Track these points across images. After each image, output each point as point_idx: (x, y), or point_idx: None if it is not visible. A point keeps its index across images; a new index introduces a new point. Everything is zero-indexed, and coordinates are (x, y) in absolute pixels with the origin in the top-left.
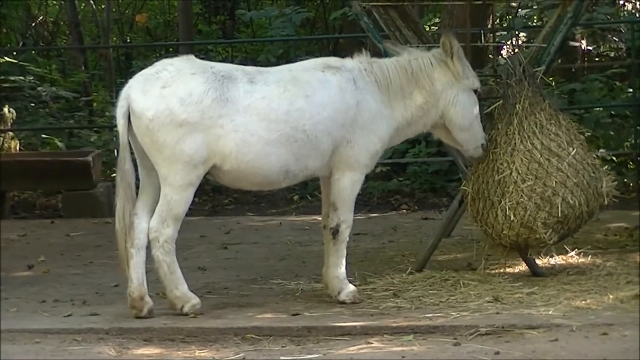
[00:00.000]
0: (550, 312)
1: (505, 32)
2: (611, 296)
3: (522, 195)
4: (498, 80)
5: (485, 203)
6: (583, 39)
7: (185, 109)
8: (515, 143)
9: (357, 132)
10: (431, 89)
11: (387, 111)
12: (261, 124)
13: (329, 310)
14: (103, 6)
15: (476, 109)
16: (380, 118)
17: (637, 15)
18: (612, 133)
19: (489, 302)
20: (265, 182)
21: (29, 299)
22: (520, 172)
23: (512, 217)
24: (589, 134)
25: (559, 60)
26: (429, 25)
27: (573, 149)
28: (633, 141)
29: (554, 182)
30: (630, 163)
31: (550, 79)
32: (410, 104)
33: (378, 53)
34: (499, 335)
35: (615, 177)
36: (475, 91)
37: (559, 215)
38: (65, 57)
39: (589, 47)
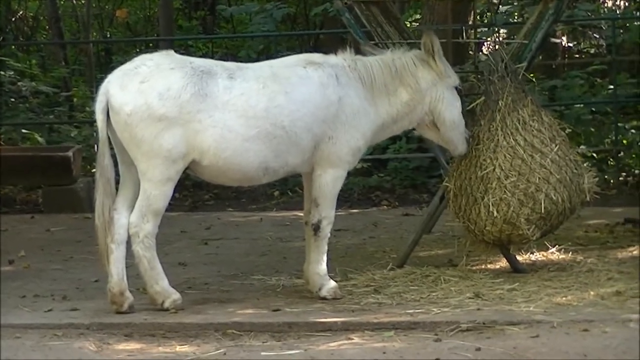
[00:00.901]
0: (531, 309)
1: (486, 29)
2: (592, 293)
3: (505, 192)
4: (480, 76)
5: (468, 199)
6: (564, 35)
7: (163, 104)
8: (498, 139)
9: (339, 128)
10: (416, 87)
11: (371, 108)
12: (240, 120)
13: (310, 306)
14: (83, 1)
15: (460, 106)
16: (363, 114)
17: (617, 12)
18: (592, 130)
19: (470, 298)
20: (244, 178)
21: (10, 294)
22: (503, 168)
23: (495, 214)
24: (570, 130)
25: (540, 57)
26: (410, 22)
27: (556, 146)
28: (613, 138)
29: (537, 179)
30: (611, 160)
31: (531, 75)
32: (396, 101)
33: (360, 50)
34: (480, 331)
35: (596, 174)
36: (456, 88)
37: (542, 211)
38: (45, 52)
39: (569, 44)
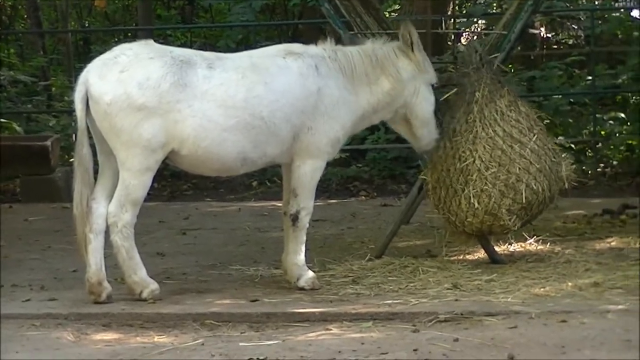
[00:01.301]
0: (509, 300)
1: (465, 20)
2: (570, 284)
3: (486, 183)
4: (455, 68)
5: (448, 191)
6: (542, 26)
7: (143, 93)
8: (477, 131)
9: (318, 118)
10: (397, 77)
11: (352, 97)
12: (219, 109)
13: (288, 296)
14: None
15: (434, 103)
16: (343, 105)
17: (596, 3)
18: (571, 121)
19: (448, 289)
20: (223, 168)
21: None
22: (483, 159)
23: (477, 205)
24: (548, 121)
25: (519, 48)
26: (389, 12)
27: (534, 135)
28: (592, 129)
29: (518, 169)
30: (589, 150)
31: (510, 66)
32: (377, 90)
33: (340, 40)
34: (458, 322)
35: (573, 162)
36: (432, 85)
37: (523, 201)
38: (24, 41)
39: (548, 35)
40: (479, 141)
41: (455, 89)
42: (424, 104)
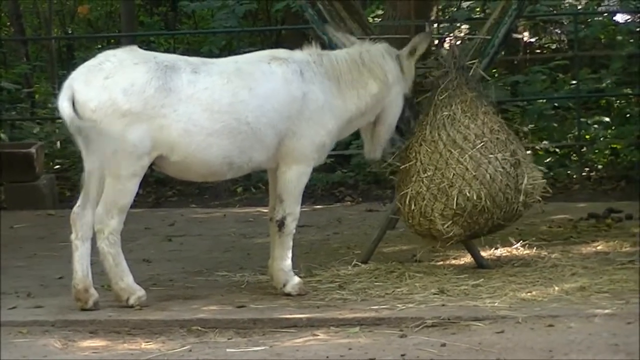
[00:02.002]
0: (495, 304)
1: (448, 24)
2: (556, 288)
3: (421, 185)
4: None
5: (400, 193)
6: (526, 31)
7: (128, 99)
8: (424, 133)
9: (303, 124)
10: (384, 80)
11: (338, 102)
12: (204, 114)
13: (275, 302)
14: None
15: (400, 113)
16: (329, 110)
17: (579, 7)
18: (555, 125)
19: (434, 294)
20: (208, 173)
21: None
22: (422, 162)
23: (413, 207)
24: (532, 126)
25: (503, 53)
26: (372, 17)
27: (481, 142)
28: (576, 133)
29: (452, 174)
30: (574, 155)
31: (494, 70)
32: (365, 93)
33: (323, 45)
34: (445, 327)
35: (543, 175)
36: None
37: (455, 206)
38: (7, 48)
39: (531, 39)
40: (423, 144)
41: (428, 94)
42: (395, 111)
